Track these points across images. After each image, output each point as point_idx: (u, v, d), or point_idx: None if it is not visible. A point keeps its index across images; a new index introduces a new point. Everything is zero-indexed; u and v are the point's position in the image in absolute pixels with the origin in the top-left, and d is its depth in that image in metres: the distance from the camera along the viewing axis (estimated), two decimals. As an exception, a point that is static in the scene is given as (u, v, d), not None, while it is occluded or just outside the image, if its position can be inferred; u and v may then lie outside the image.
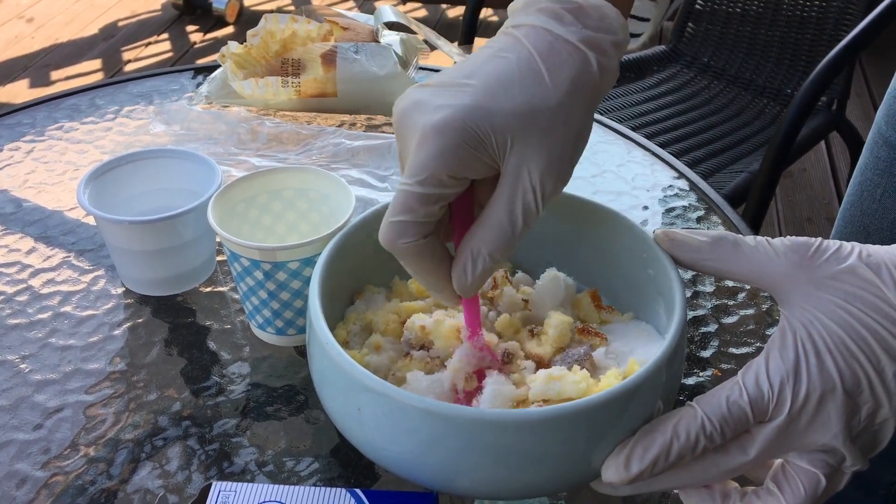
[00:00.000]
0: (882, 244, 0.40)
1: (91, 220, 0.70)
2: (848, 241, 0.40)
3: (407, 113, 0.40)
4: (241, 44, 0.85)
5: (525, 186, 0.39)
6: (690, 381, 0.56)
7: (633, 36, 0.47)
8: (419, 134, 0.39)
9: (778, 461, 0.40)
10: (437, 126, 0.39)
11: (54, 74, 2.58)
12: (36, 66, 2.62)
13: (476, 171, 0.40)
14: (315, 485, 0.49)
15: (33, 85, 2.52)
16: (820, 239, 0.40)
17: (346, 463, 0.51)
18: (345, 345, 0.48)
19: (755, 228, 1.20)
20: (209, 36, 2.79)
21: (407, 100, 0.41)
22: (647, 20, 0.44)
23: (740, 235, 0.42)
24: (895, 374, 0.38)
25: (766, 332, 0.60)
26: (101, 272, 0.66)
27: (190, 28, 2.84)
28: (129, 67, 2.61)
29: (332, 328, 0.48)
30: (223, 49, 0.85)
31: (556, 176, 0.40)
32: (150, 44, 2.75)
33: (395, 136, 0.42)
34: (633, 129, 1.39)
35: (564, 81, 0.39)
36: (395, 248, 0.40)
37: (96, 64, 2.63)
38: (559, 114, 0.39)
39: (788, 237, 0.41)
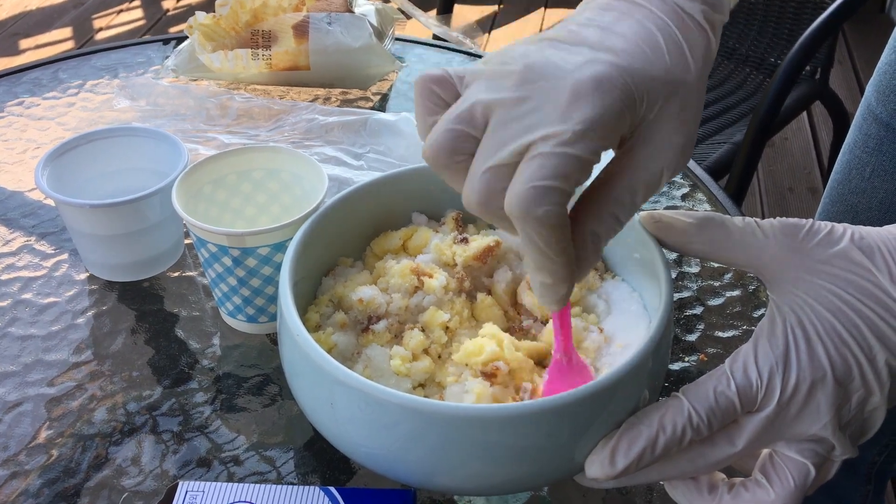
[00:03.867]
0: (870, 223, 0.39)
1: (53, 202, 0.67)
2: (835, 220, 0.39)
3: (543, 68, 0.35)
4: (210, 14, 0.82)
5: (655, 166, 0.36)
6: (676, 366, 0.55)
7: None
8: (570, 88, 0.34)
9: (766, 451, 0.39)
10: (597, 79, 0.34)
11: (23, 43, 2.51)
12: (4, 34, 2.55)
13: (616, 141, 0.36)
14: (288, 481, 0.48)
15: (1, 54, 2.45)
16: (811, 221, 0.39)
17: (320, 457, 0.49)
18: (317, 328, 0.46)
19: (738, 201, 1.18)
20: (183, 2, 2.72)
21: (533, 55, 0.35)
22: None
23: (728, 216, 0.40)
24: (887, 362, 0.36)
25: (753, 315, 0.59)
26: (63, 257, 0.63)
27: (162, -6, 2.77)
28: (100, 36, 2.54)
29: (304, 311, 0.46)
30: (190, 20, 0.82)
31: (685, 160, 0.37)
32: (121, 11, 2.68)
33: (504, 82, 0.35)
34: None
35: (700, 58, 0.37)
36: (529, 216, 0.34)
37: (66, 32, 2.56)
38: (697, 89, 0.37)
39: (778, 219, 0.39)
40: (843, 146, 0.74)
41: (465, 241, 0.49)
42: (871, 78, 0.70)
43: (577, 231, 0.37)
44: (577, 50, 0.36)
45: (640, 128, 0.36)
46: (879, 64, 0.69)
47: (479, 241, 0.48)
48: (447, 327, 0.46)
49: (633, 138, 0.36)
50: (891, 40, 0.68)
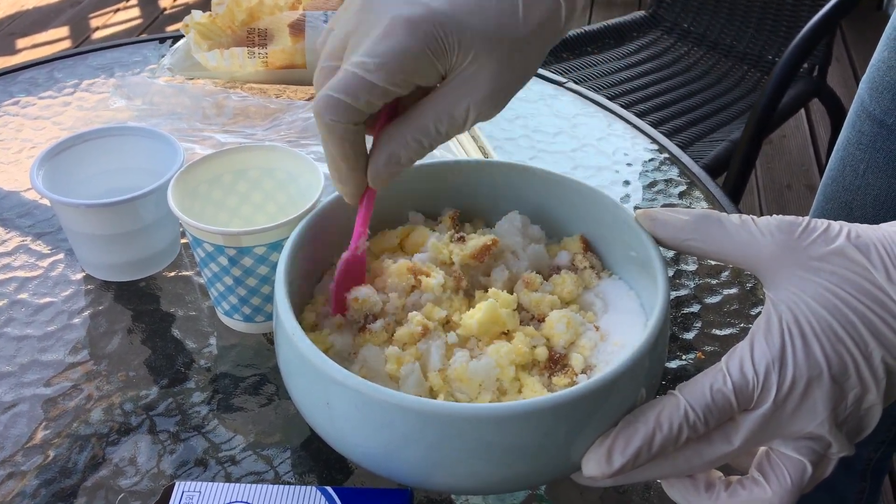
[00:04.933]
0: (865, 221, 0.39)
1: (49, 202, 0.67)
2: (829, 217, 0.39)
3: (373, 3, 0.40)
4: (206, 13, 0.82)
5: (462, 103, 0.40)
6: (673, 364, 0.55)
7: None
8: (387, 22, 0.38)
9: (763, 449, 0.39)
10: (410, 20, 0.38)
11: (20, 42, 2.50)
12: (0, 33, 2.54)
13: (426, 79, 0.40)
14: (285, 481, 0.47)
15: (-3, 54, 2.44)
16: (807, 218, 0.39)
17: (317, 457, 0.49)
18: (314, 328, 0.46)
19: (736, 198, 1.18)
20: (180, 1, 2.72)
21: None
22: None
23: (724, 214, 0.40)
24: (883, 359, 0.36)
25: (751, 313, 0.59)
26: (59, 256, 0.63)
27: (159, -6, 2.76)
28: (96, 35, 2.54)
29: (300, 310, 0.46)
30: (186, 18, 0.81)
31: (493, 105, 0.41)
32: (118, 10, 2.67)
33: (348, 14, 0.41)
34: (613, 97, 1.37)
35: (535, 21, 0.40)
36: (321, 122, 0.40)
37: (63, 31, 2.56)
38: (521, 48, 0.40)
39: (775, 216, 0.39)
40: (837, 143, 0.73)
41: (462, 239, 0.48)
42: (864, 75, 0.70)
43: (381, 146, 0.42)
44: None
45: (456, 70, 0.40)
46: (872, 60, 0.69)
47: (477, 240, 0.48)
48: (447, 321, 0.46)
49: (447, 78, 0.40)
50: (883, 37, 0.68)
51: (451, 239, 0.49)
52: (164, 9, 2.68)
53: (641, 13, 1.62)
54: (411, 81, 0.39)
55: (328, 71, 0.41)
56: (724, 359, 0.38)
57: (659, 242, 0.43)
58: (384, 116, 0.42)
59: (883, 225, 0.38)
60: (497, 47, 0.39)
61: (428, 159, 0.69)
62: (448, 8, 0.38)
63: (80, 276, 0.61)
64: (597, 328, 0.46)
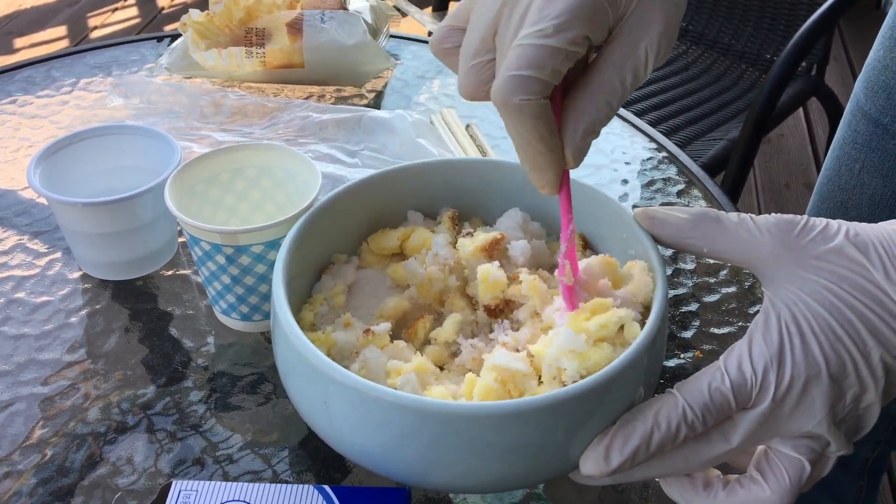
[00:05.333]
0: (861, 220, 0.39)
1: (46, 201, 0.67)
2: (825, 216, 0.39)
3: None
4: (204, 12, 0.81)
5: (641, 45, 0.37)
6: (671, 363, 0.55)
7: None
8: None
9: (761, 447, 0.39)
10: None
11: (17, 42, 2.50)
12: (-3, 33, 2.54)
13: (601, 32, 0.37)
14: (283, 479, 0.47)
15: (-6, 53, 2.44)
16: (806, 217, 0.39)
17: (315, 456, 0.49)
18: (311, 328, 0.46)
19: (734, 197, 1.18)
20: (178, 0, 2.71)
21: None
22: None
23: (722, 212, 0.40)
24: (881, 358, 0.36)
25: (749, 311, 0.58)
26: (56, 255, 0.63)
27: (157, -8, 2.76)
28: (94, 34, 2.54)
29: (298, 309, 0.46)
30: (184, 17, 0.81)
31: (670, 39, 0.38)
32: (116, 9, 2.67)
33: (485, 6, 0.38)
34: (612, 96, 1.36)
35: None
36: (510, 105, 0.36)
37: (61, 31, 2.55)
38: None
39: (773, 214, 0.39)
40: (833, 143, 0.73)
41: (470, 234, 0.48)
42: (860, 74, 0.70)
43: (569, 120, 0.38)
44: None
45: (627, 13, 0.37)
46: (868, 60, 0.69)
47: (486, 235, 0.48)
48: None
49: (616, 29, 0.37)
50: (879, 37, 0.68)
51: (461, 234, 0.49)
52: (162, 8, 2.68)
53: (640, 12, 1.61)
54: (587, 37, 0.37)
55: (480, 66, 0.39)
56: (722, 357, 0.38)
57: (657, 241, 0.43)
58: (559, 90, 0.39)
59: (881, 223, 0.38)
60: None
61: (427, 158, 0.69)
62: None
63: (77, 274, 0.61)
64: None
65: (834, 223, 0.38)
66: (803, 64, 1.39)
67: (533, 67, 0.36)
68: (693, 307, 0.59)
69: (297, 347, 0.40)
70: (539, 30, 0.36)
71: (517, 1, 0.37)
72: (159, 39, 0.90)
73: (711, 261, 0.62)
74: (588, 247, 0.49)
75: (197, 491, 0.41)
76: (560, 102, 0.39)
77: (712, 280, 0.61)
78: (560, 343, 0.40)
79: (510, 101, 0.36)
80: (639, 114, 1.33)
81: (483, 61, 0.38)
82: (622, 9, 0.37)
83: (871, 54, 0.68)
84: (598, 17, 0.36)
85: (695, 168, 0.72)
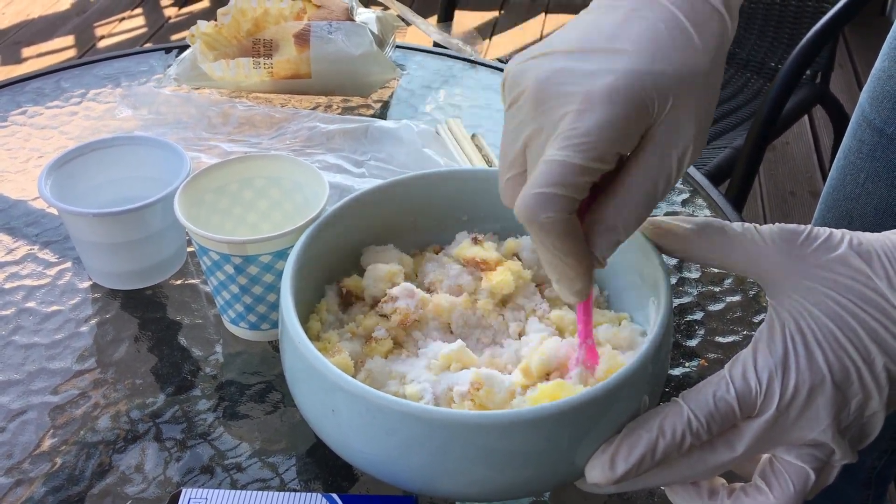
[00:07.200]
0: (866, 229, 0.39)
1: (56, 211, 0.68)
2: (830, 225, 0.39)
3: (552, 82, 0.36)
4: (212, 23, 0.82)
5: (672, 155, 0.37)
6: (677, 371, 0.55)
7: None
8: (580, 101, 0.35)
9: (766, 456, 0.39)
10: (607, 92, 0.35)
11: (25, 51, 2.52)
12: (6, 42, 2.56)
13: (630, 145, 0.37)
14: (291, 488, 0.48)
15: (4, 62, 2.46)
16: (810, 226, 0.39)
17: (323, 464, 0.49)
18: (318, 338, 0.46)
19: (739, 206, 1.18)
20: (184, 10, 2.73)
21: (545, 69, 0.37)
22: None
23: (727, 222, 0.40)
24: (885, 366, 0.36)
25: (754, 320, 0.59)
26: (67, 265, 0.63)
27: (165, 2, 2.77)
28: (102, 44, 2.55)
29: (306, 319, 0.47)
30: (192, 28, 0.82)
31: (701, 143, 0.38)
32: (123, 19, 2.69)
33: (520, 116, 0.38)
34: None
35: (711, 44, 0.37)
36: (535, 222, 0.36)
37: (68, 40, 2.57)
38: (710, 77, 0.37)
39: (777, 224, 0.39)
40: (838, 152, 0.74)
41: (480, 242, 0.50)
42: (866, 84, 0.70)
43: (596, 225, 0.38)
44: (592, 59, 0.36)
45: (657, 123, 0.37)
46: (874, 70, 0.69)
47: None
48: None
49: (647, 135, 0.37)
50: (884, 47, 0.68)
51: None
52: (169, 18, 2.70)
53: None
54: (617, 152, 0.36)
55: (514, 181, 0.39)
56: (727, 366, 0.38)
57: (662, 250, 0.43)
58: (586, 198, 0.38)
59: (885, 233, 0.39)
60: (690, 83, 0.36)
61: (433, 168, 0.70)
62: (633, 65, 0.36)
63: (87, 284, 0.62)
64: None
65: (837, 232, 0.38)
66: (808, 72, 1.39)
67: (558, 185, 0.35)
68: (698, 316, 0.59)
69: (305, 356, 0.40)
70: (568, 145, 0.35)
71: (552, 119, 0.36)
72: (167, 50, 0.91)
73: (716, 270, 0.62)
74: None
75: (207, 499, 0.41)
76: (587, 206, 0.38)
77: (717, 289, 0.61)
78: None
79: (536, 219, 0.36)
80: (643, 122, 1.33)
81: (517, 174, 0.39)
82: (653, 118, 0.36)
83: (877, 64, 0.69)
84: (627, 133, 0.36)
85: (699, 176, 0.72)
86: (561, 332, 0.47)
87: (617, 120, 0.35)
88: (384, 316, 0.47)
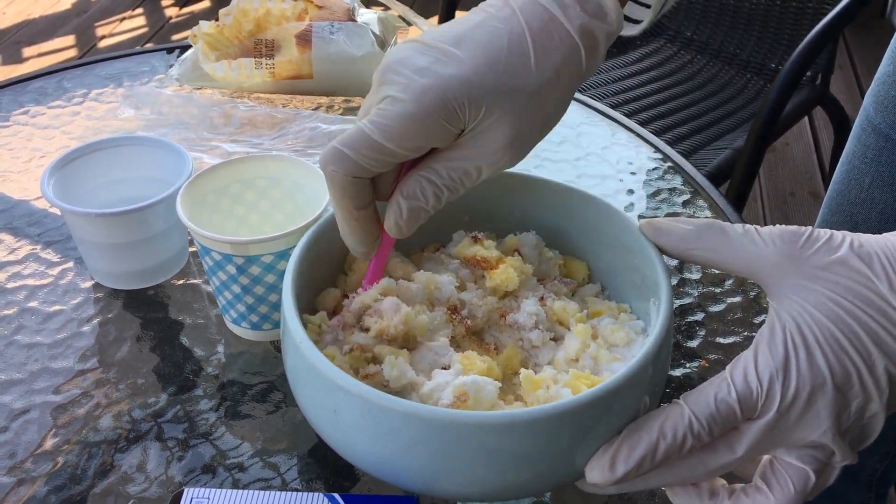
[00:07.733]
0: (870, 234, 0.39)
1: (59, 211, 0.68)
2: (834, 230, 0.39)
3: (392, 67, 0.41)
4: (214, 23, 0.82)
5: (479, 155, 0.40)
6: (677, 372, 0.55)
7: (635, 22, 0.46)
8: (398, 90, 0.40)
9: (766, 457, 0.39)
10: (420, 89, 0.39)
11: (26, 51, 2.52)
12: (7, 42, 2.56)
13: (440, 140, 0.41)
14: (292, 487, 0.48)
15: (5, 62, 2.46)
16: (810, 228, 0.39)
17: (324, 464, 0.49)
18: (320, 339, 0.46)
19: (740, 206, 1.19)
20: (185, 10, 2.73)
21: (397, 53, 0.41)
22: (648, 6, 0.43)
23: (728, 223, 0.40)
24: (886, 368, 0.37)
25: (754, 321, 0.59)
26: (69, 265, 0.64)
27: (165, 2, 2.77)
28: (103, 44, 2.55)
29: (307, 319, 0.46)
30: (194, 29, 0.82)
31: (514, 153, 0.41)
32: (124, 19, 2.69)
33: (374, 78, 0.42)
34: (616, 105, 1.37)
35: (549, 68, 0.40)
36: (324, 170, 0.41)
37: (69, 40, 2.57)
38: (535, 98, 0.40)
39: (778, 226, 0.40)
40: (842, 156, 0.74)
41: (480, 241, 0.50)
42: (870, 88, 0.70)
43: (398, 196, 0.42)
44: (429, 54, 0.40)
45: (470, 127, 0.40)
46: (878, 74, 0.69)
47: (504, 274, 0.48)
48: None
49: (463, 135, 0.41)
50: (888, 51, 0.68)
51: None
52: (170, 17, 2.70)
53: (645, 22, 1.62)
54: (420, 146, 0.40)
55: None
56: (728, 368, 0.38)
57: (662, 251, 0.43)
58: (406, 167, 0.43)
59: (886, 234, 0.39)
60: (509, 100, 0.40)
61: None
62: (455, 72, 0.39)
63: (89, 284, 0.62)
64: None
65: (838, 234, 0.39)
66: (808, 73, 1.39)
67: (351, 148, 0.40)
68: (699, 317, 0.59)
69: (306, 357, 0.41)
70: (374, 122, 0.40)
71: (380, 91, 0.41)
72: (169, 51, 0.91)
73: (717, 271, 0.63)
74: (591, 280, 0.50)
75: (208, 498, 0.42)
76: (405, 174, 0.42)
77: (718, 290, 0.62)
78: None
79: (324, 167, 0.41)
80: (644, 123, 1.33)
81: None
82: (465, 123, 0.40)
83: (881, 68, 0.69)
84: (430, 133, 0.40)
85: (700, 178, 0.73)
86: (562, 324, 0.47)
87: (418, 116, 0.39)
88: (365, 330, 0.46)
